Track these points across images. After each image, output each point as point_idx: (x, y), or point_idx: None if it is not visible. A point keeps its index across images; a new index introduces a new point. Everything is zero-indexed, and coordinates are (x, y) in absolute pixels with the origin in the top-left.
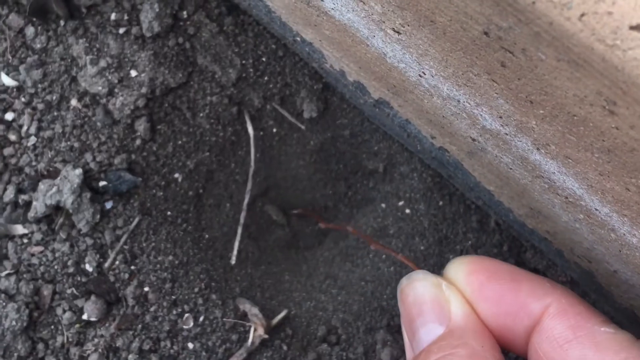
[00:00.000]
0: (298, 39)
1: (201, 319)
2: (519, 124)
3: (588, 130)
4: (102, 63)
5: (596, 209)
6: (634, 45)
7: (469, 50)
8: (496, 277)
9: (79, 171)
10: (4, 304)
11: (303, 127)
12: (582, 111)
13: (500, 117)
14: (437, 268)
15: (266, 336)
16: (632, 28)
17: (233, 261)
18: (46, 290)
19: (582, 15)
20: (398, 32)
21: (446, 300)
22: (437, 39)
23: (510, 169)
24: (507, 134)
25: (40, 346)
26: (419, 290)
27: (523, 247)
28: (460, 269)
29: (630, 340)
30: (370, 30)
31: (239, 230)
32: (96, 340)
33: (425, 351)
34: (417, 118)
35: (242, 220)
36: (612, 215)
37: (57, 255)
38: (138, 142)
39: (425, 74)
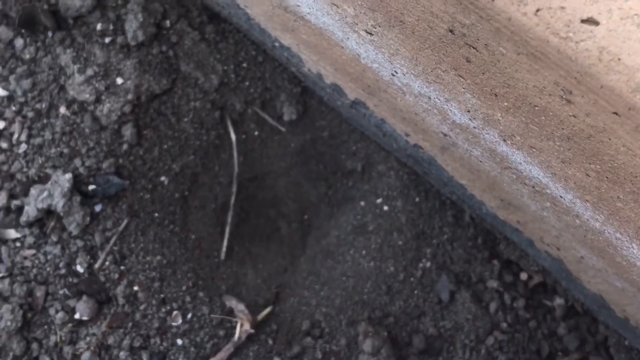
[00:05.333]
0: (277, 44)
1: (189, 316)
2: (486, 117)
3: (548, 119)
4: (89, 71)
5: (561, 196)
6: (585, 37)
7: (436, 47)
8: None
9: (68, 176)
10: None
11: (283, 129)
12: (542, 101)
13: (468, 111)
14: (414, 262)
15: (252, 331)
16: (583, 21)
17: (222, 257)
18: (39, 292)
19: (538, 10)
20: (370, 33)
21: None
22: (406, 38)
23: (480, 161)
24: (475, 128)
25: (35, 346)
26: None
27: (497, 239)
28: None
29: None
30: (345, 33)
31: (227, 229)
32: (88, 338)
33: None
34: (391, 117)
35: (229, 219)
36: (575, 202)
37: (49, 257)
38: (125, 146)
39: (397, 73)
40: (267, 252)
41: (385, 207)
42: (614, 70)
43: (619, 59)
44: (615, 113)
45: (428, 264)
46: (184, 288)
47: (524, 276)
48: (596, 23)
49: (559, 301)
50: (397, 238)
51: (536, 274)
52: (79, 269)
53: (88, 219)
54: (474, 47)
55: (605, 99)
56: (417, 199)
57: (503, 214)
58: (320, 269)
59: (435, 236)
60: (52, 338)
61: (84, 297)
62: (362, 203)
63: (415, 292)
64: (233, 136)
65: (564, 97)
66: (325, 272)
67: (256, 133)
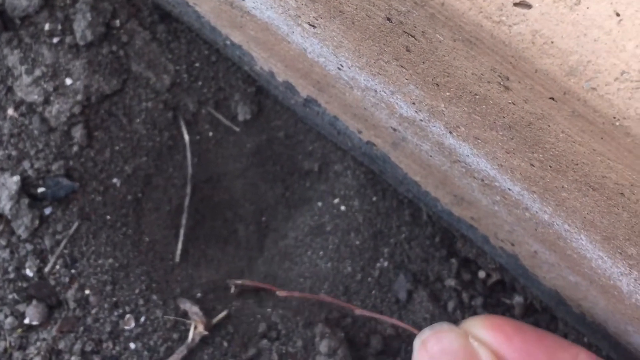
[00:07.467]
0: (228, 42)
1: (142, 319)
2: (430, 108)
3: (489, 108)
4: (37, 72)
5: (509, 189)
6: (518, 21)
7: (376, 37)
8: (522, 330)
9: (16, 178)
10: None
11: (238, 129)
12: (481, 89)
13: (414, 103)
14: (372, 262)
15: (206, 333)
16: (515, 4)
17: (177, 259)
18: None
19: None
20: (313, 26)
21: (475, 350)
22: (348, 29)
23: (430, 156)
24: (422, 120)
25: None
26: (447, 340)
27: (454, 237)
28: (482, 324)
29: None
30: (289, 26)
31: (182, 231)
32: (38, 343)
33: None
34: (343, 113)
35: (183, 222)
36: (523, 194)
37: None
38: (75, 148)
39: (343, 66)
40: (223, 255)
41: (343, 207)
42: (547, 53)
43: (552, 42)
44: (552, 98)
45: (385, 264)
46: (137, 291)
47: (482, 274)
48: (528, 6)
49: (517, 299)
50: (354, 238)
51: (494, 271)
52: (29, 273)
53: (37, 222)
54: (412, 35)
55: (541, 84)
56: (374, 198)
57: (457, 210)
58: (278, 271)
59: (392, 235)
60: (1, 344)
61: (34, 302)
62: (320, 203)
63: (373, 292)
64: (186, 137)
65: (502, 83)
66: (283, 274)
67: (210, 134)
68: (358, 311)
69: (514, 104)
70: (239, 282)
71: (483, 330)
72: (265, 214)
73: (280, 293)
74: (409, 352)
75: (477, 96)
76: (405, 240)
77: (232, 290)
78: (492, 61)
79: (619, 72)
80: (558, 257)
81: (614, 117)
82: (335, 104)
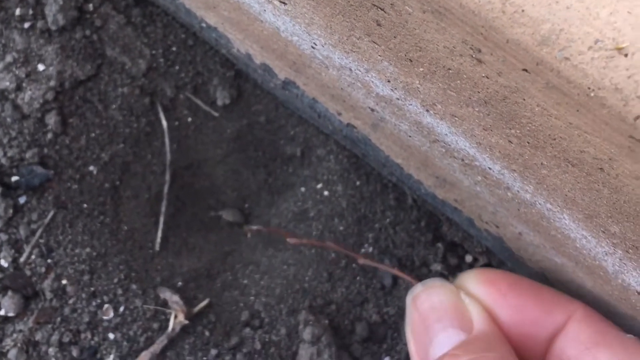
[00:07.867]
0: (204, 25)
1: (121, 309)
2: (406, 85)
3: (464, 83)
4: (9, 58)
5: (489, 168)
6: None
7: (346, 12)
8: (517, 286)
9: None
10: None
11: (217, 114)
12: (454, 63)
13: (389, 81)
14: (356, 247)
15: (187, 322)
16: None
17: (157, 248)
18: None
19: None
20: (284, 2)
21: (466, 307)
22: (317, 5)
23: (410, 136)
24: (398, 99)
25: None
26: (437, 297)
27: (440, 221)
28: (476, 279)
29: None
30: (260, 4)
31: (161, 219)
32: (15, 335)
33: (450, 355)
34: (321, 95)
35: (163, 209)
36: (504, 173)
37: None
38: (49, 135)
39: (316, 45)
40: (205, 242)
41: (326, 192)
42: (518, 22)
43: (522, 11)
44: (525, 70)
45: (370, 249)
46: (115, 280)
47: (469, 258)
48: None
49: None
50: (338, 223)
51: (481, 255)
52: (3, 263)
53: (11, 211)
54: (381, 8)
55: (513, 55)
56: (357, 183)
57: (441, 192)
58: (261, 258)
59: (377, 220)
60: None
61: (9, 293)
62: (303, 189)
63: (358, 278)
64: (164, 123)
65: (474, 56)
66: (266, 261)
67: (189, 119)
68: (361, 260)
69: (487, 77)
70: (255, 227)
71: (476, 285)
72: (248, 200)
73: (291, 240)
74: (394, 338)
75: (450, 71)
76: (390, 225)
77: (248, 235)
78: (463, 32)
79: (592, 40)
80: (542, 238)
81: (589, 88)
82: (313, 85)
